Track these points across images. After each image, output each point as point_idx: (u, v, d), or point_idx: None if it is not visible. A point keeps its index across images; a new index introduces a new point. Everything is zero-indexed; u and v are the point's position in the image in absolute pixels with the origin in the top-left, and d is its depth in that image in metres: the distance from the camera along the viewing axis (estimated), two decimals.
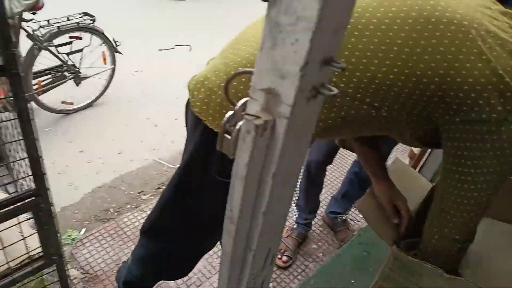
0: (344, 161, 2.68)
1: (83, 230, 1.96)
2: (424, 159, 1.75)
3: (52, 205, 0.82)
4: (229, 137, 0.48)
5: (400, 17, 0.74)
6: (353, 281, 1.19)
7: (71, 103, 2.96)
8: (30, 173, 0.74)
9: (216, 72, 0.91)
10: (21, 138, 0.66)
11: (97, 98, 3.07)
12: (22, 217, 0.78)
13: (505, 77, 0.69)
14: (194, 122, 0.97)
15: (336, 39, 0.38)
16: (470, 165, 0.75)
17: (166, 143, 2.69)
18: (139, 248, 1.20)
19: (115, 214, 2.08)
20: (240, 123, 0.48)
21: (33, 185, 0.74)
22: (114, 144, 2.63)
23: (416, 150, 1.82)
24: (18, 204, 0.73)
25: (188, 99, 0.99)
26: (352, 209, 2.11)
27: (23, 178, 0.80)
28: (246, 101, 0.47)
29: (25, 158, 0.69)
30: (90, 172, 2.36)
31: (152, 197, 2.21)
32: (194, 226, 1.08)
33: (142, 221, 1.97)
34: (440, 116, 0.75)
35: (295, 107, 0.39)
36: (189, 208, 1.05)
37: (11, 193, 0.99)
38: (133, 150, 2.59)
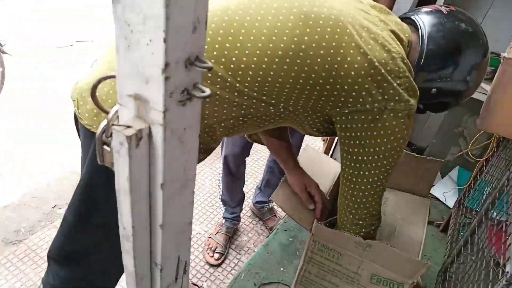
0: (265, 150, 2.73)
1: None
2: (334, 142, 1.85)
3: None
4: (108, 148, 0.44)
5: (282, 14, 0.76)
6: (282, 269, 1.23)
7: None
8: None
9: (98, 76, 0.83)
10: None
11: None
12: None
13: (381, 69, 0.75)
14: (86, 133, 0.87)
15: (197, 36, 0.36)
16: (362, 152, 0.83)
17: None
18: (50, 276, 1.07)
19: (28, 233, 1.87)
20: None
21: None
22: (13, 157, 2.35)
23: None
24: None
25: (75, 118, 0.89)
26: None
27: None
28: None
29: None
30: None
31: None
32: (109, 241, 1.00)
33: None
34: (331, 108, 0.80)
35: (168, 112, 0.37)
36: (99, 226, 0.97)
37: None
38: (41, 161, 2.34)
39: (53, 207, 2.04)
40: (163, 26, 0.32)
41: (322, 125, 0.89)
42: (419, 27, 0.86)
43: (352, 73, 0.75)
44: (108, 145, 0.44)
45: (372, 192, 0.87)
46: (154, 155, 0.40)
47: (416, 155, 1.24)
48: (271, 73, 0.76)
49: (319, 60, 0.74)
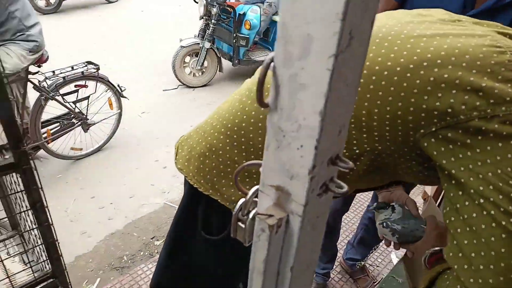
0: (359, 203, 2.65)
1: (98, 280, 1.95)
2: (438, 200, 1.72)
3: (70, 285, 0.82)
4: (243, 225, 0.49)
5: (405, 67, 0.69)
6: None
7: (80, 149, 3.01)
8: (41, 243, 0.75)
9: (198, 130, 0.97)
10: (35, 226, 0.67)
11: (105, 142, 3.12)
12: None
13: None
14: (185, 179, 0.99)
15: (341, 138, 0.39)
16: (462, 197, 0.64)
17: (176, 185, 2.70)
18: None
19: (129, 262, 2.06)
20: (253, 212, 0.48)
21: (48, 267, 0.75)
22: (125, 189, 2.64)
23: (428, 191, 1.79)
24: (38, 287, 0.74)
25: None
26: (371, 255, 2.06)
27: (41, 262, 0.80)
28: (257, 190, 0.48)
29: (40, 244, 0.71)
30: (102, 218, 2.37)
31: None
32: (195, 284, 1.07)
33: None
34: (415, 131, 0.68)
35: (307, 205, 0.40)
36: (185, 266, 1.05)
37: (28, 266, 1.00)
38: (144, 193, 2.60)
39: (152, 238, 2.22)
40: (316, 136, 0.35)
41: (417, 163, 0.74)
42: None
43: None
44: (243, 222, 0.49)
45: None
46: (288, 241, 0.43)
47: None
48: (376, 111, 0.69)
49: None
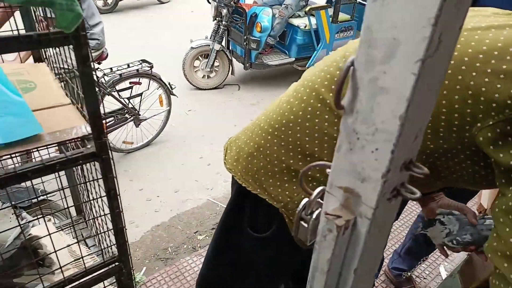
0: (407, 210, 2.56)
1: (144, 269, 2.04)
2: None
3: (133, 270, 0.88)
4: (305, 225, 0.50)
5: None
6: None
7: (131, 143, 3.16)
8: (109, 228, 0.81)
9: (246, 131, 0.99)
10: (107, 212, 0.73)
11: (154, 137, 3.25)
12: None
13: None
14: (232, 178, 1.02)
15: (416, 143, 0.39)
16: None
17: (219, 183, 2.76)
18: None
19: (173, 253, 2.14)
20: (316, 212, 0.49)
21: (115, 251, 0.81)
22: (170, 183, 2.75)
23: (484, 203, 1.69)
24: (103, 270, 0.80)
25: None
26: (418, 266, 1.98)
27: (107, 247, 0.86)
28: (321, 190, 0.49)
29: (110, 229, 0.76)
30: (149, 210, 2.48)
31: (207, 237, 2.25)
32: (240, 281, 1.09)
33: (201, 266, 2.01)
34: (470, 126, 0.66)
35: (377, 209, 0.40)
36: (231, 263, 1.07)
37: (92, 250, 1.08)
38: (189, 189, 2.68)
39: (195, 232, 2.29)
40: (394, 140, 0.35)
41: (472, 163, 0.71)
42: None
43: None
44: (305, 221, 0.50)
45: None
46: (353, 243, 0.43)
47: None
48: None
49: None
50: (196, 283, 1.20)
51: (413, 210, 2.54)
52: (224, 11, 3.98)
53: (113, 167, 0.66)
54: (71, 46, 0.53)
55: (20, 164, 0.56)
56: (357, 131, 0.38)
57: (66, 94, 0.75)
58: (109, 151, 0.64)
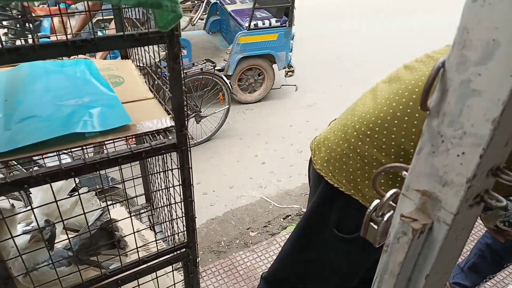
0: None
1: (198, 259, 2.12)
2: None
3: (198, 257, 0.93)
4: (375, 226, 0.49)
5: None
6: None
7: (192, 138, 3.30)
8: (179, 216, 0.87)
9: (335, 132, 0.99)
10: (179, 200, 0.78)
11: (213, 134, 3.37)
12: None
13: None
14: (315, 178, 1.03)
15: (506, 149, 0.37)
16: None
17: (273, 182, 2.78)
18: None
19: (226, 247, 2.20)
20: (388, 214, 0.48)
21: (184, 239, 0.86)
22: (226, 179, 2.83)
23: None
24: (172, 254, 0.86)
25: (311, 158, 1.05)
26: (483, 284, 1.84)
27: (177, 233, 0.93)
28: (394, 193, 0.48)
29: (181, 217, 0.81)
30: (205, 204, 2.57)
31: (259, 234, 2.29)
32: (314, 279, 1.09)
33: (253, 261, 2.05)
34: None
35: (458, 215, 0.39)
36: (309, 261, 1.08)
37: (159, 236, 1.15)
38: (242, 185, 2.74)
39: (248, 228, 2.34)
40: (484, 145, 0.34)
41: None
42: None
43: None
44: (375, 223, 0.49)
45: None
46: (428, 248, 0.42)
47: None
48: None
49: None
50: (263, 274, 1.22)
51: (480, 222, 2.36)
52: None
53: (189, 158, 0.71)
54: (161, 45, 0.58)
55: (106, 151, 0.61)
56: (443, 133, 0.37)
57: (150, 89, 0.82)
58: (188, 142, 0.68)
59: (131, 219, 0.91)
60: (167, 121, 0.68)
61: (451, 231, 0.40)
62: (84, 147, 0.62)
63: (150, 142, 0.64)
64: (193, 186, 0.78)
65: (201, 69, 3.02)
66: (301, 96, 4.15)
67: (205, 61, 3.13)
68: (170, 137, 0.67)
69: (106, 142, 0.62)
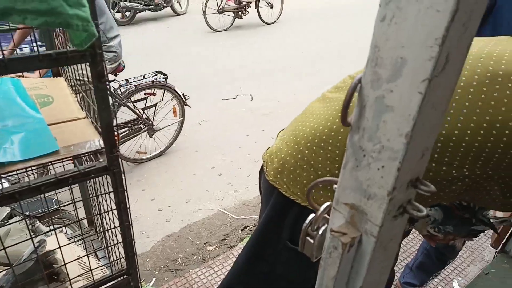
0: None
1: (153, 279, 2.04)
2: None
3: (141, 282, 0.88)
4: (311, 240, 0.49)
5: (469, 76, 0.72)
6: None
7: (145, 153, 3.20)
8: (119, 241, 0.82)
9: (288, 143, 0.98)
10: (117, 225, 0.74)
11: (167, 147, 3.29)
12: None
13: None
14: (268, 189, 1.02)
15: (423, 161, 0.38)
16: None
17: (230, 193, 2.76)
18: None
19: (183, 264, 2.14)
20: (323, 228, 0.48)
21: (124, 264, 0.82)
22: (182, 193, 2.76)
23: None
24: (112, 282, 0.81)
25: (262, 168, 1.04)
26: (430, 281, 1.93)
27: (116, 260, 0.87)
28: (328, 206, 0.48)
29: (119, 242, 0.77)
30: (161, 220, 2.49)
31: (217, 248, 2.25)
32: None
33: (210, 278, 2.00)
34: None
35: (383, 227, 0.39)
36: (262, 273, 1.07)
37: (102, 262, 1.08)
38: (199, 199, 2.69)
39: (205, 243, 2.29)
40: (399, 158, 0.35)
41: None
42: None
43: None
44: (311, 237, 0.49)
45: None
46: (358, 260, 0.43)
47: None
48: (456, 133, 0.73)
49: None
50: None
51: None
52: None
53: (123, 180, 0.67)
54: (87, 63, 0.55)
55: (36, 176, 0.57)
56: (364, 148, 0.38)
57: (82, 108, 0.78)
58: (121, 164, 0.65)
59: (72, 246, 0.85)
60: (97, 143, 0.65)
61: (378, 243, 0.40)
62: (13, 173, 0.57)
63: (78, 166, 0.60)
64: (129, 209, 0.74)
65: (152, 81, 2.95)
66: (257, 105, 4.18)
67: (156, 73, 3.06)
68: (101, 160, 0.63)
69: (30, 169, 0.57)
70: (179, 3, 7.85)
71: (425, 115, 0.33)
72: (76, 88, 0.88)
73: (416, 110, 0.32)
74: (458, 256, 1.91)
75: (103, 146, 0.64)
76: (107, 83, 0.57)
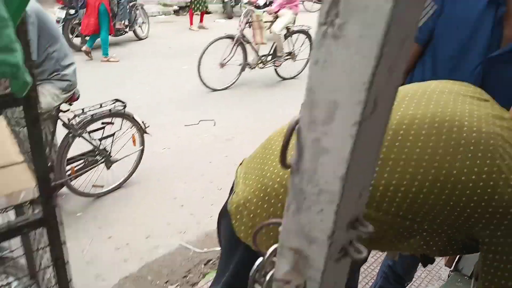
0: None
1: None
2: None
3: None
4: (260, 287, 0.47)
5: (424, 134, 0.75)
6: None
7: (102, 186, 3.05)
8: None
9: (256, 193, 0.90)
10: (54, 282, 0.67)
11: (126, 179, 3.16)
12: None
13: None
14: (233, 241, 0.94)
15: (361, 201, 0.38)
16: None
17: (192, 225, 2.67)
18: None
19: None
20: (270, 273, 0.46)
21: None
22: (141, 228, 2.63)
23: None
24: None
25: (221, 217, 0.99)
26: None
27: None
28: (274, 250, 0.46)
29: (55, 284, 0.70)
30: (118, 260, 2.34)
31: (178, 287, 2.13)
32: None
33: None
34: (481, 229, 0.72)
35: (325, 271, 0.38)
36: None
37: None
38: (160, 233, 2.57)
39: (166, 282, 2.17)
40: (337, 201, 0.34)
41: (461, 243, 0.80)
42: None
43: (506, 197, 0.69)
44: (260, 284, 0.47)
45: None
46: None
47: None
48: (408, 187, 0.75)
49: (471, 185, 0.70)
50: None
51: None
52: None
53: (61, 233, 0.62)
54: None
55: None
56: (304, 190, 0.37)
57: (20, 151, 0.72)
58: (59, 216, 0.59)
59: None
60: (33, 192, 0.59)
61: (322, 287, 0.39)
62: None
63: (10, 220, 0.55)
64: (68, 264, 0.68)
65: (110, 109, 2.86)
66: (219, 130, 4.16)
67: (114, 101, 2.97)
68: (36, 211, 0.58)
69: None
70: (141, 27, 7.82)
71: (359, 157, 0.33)
72: (15, 129, 0.83)
73: (349, 153, 0.32)
74: (415, 278, 1.96)
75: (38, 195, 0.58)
76: (42, 128, 0.53)
